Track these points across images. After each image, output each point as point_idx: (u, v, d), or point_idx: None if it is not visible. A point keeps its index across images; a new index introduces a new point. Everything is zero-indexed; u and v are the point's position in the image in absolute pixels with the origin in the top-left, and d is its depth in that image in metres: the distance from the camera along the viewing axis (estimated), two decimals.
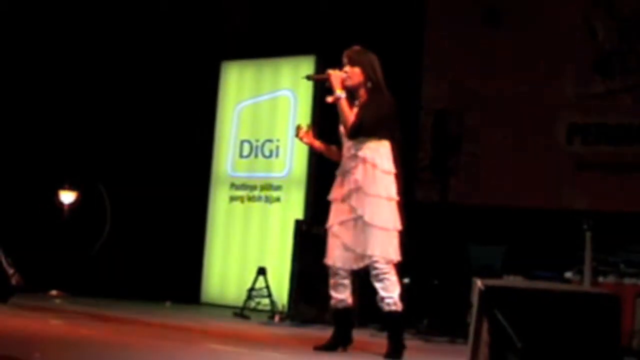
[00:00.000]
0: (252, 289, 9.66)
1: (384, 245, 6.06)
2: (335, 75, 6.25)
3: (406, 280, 8.94)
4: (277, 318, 9.20)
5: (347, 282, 6.26)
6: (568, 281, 8.05)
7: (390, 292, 6.05)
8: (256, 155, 11.16)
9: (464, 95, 10.17)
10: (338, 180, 6.29)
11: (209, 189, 11.43)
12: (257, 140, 11.17)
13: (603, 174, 9.41)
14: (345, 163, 6.21)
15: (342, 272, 6.22)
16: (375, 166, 6.09)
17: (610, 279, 8.01)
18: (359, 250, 6.08)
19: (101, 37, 11.83)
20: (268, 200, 10.91)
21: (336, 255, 6.21)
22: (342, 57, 6.33)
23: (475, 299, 4.63)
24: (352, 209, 6.10)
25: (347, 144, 6.23)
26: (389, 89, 6.29)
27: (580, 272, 7.79)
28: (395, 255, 6.12)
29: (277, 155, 10.94)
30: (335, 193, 6.27)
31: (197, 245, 11.22)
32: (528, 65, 9.89)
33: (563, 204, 9.51)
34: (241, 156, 11.27)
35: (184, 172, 11.33)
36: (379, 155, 6.13)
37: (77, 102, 11.76)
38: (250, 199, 11.06)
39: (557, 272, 8.26)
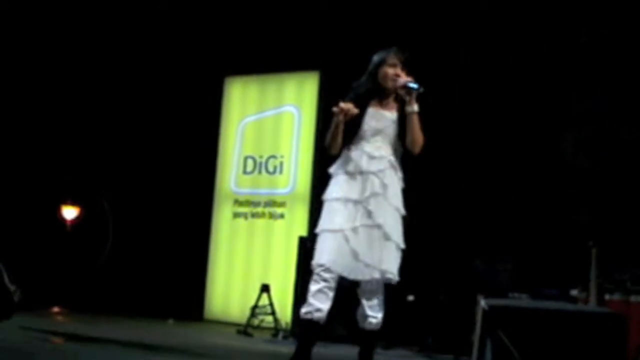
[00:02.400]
0: (255, 307, 9.59)
1: (397, 264, 5.53)
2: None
3: (411, 298, 8.90)
4: (280, 336, 9.15)
5: (332, 293, 5.48)
6: (574, 299, 7.98)
7: (382, 311, 5.62)
8: (260, 172, 11.12)
9: (469, 109, 10.11)
10: (355, 179, 5.55)
11: (212, 205, 11.38)
12: (261, 157, 11.14)
13: (609, 189, 9.34)
14: (369, 162, 5.54)
15: (332, 281, 5.45)
16: (400, 177, 5.65)
17: (617, 296, 7.92)
18: (369, 260, 5.42)
19: (106, 52, 11.83)
20: (272, 216, 10.87)
21: (340, 261, 5.44)
22: (388, 57, 5.72)
23: (478, 318, 4.58)
24: (369, 214, 5.47)
25: (375, 142, 5.59)
26: None
27: (586, 289, 7.73)
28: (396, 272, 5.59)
29: (281, 172, 10.90)
30: (350, 192, 5.54)
31: (200, 262, 11.18)
32: (534, 79, 9.83)
33: (569, 220, 9.44)
34: (245, 172, 11.24)
35: (188, 188, 11.32)
36: (400, 167, 5.69)
37: (80, 117, 11.75)
38: (254, 215, 11.02)
39: (563, 289, 8.19)
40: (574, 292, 8.09)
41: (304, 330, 5.58)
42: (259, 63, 11.14)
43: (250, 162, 11.22)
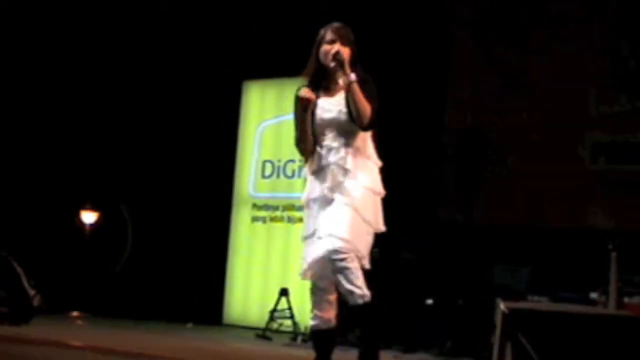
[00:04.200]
0: (274, 310, 9.59)
1: (356, 234, 5.02)
2: (345, 53, 5.37)
3: (430, 301, 8.88)
4: (299, 339, 9.14)
5: (333, 298, 5.18)
6: (593, 302, 7.95)
7: (357, 280, 4.96)
8: (278, 176, 11.12)
9: (488, 115, 10.10)
10: (320, 175, 5.26)
11: (231, 209, 11.39)
12: (279, 161, 11.13)
13: (628, 193, 9.30)
14: (328, 155, 5.24)
15: (329, 286, 5.13)
16: (368, 157, 5.25)
17: (636, 299, 7.89)
18: (322, 232, 5.07)
19: (124, 57, 11.86)
20: (290, 220, 10.86)
21: (320, 266, 5.07)
22: (326, 33, 5.58)
23: (498, 321, 4.57)
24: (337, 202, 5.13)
25: (330, 134, 5.30)
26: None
27: (605, 292, 7.70)
28: (366, 257, 5.10)
29: (299, 176, 10.87)
30: (314, 192, 5.27)
31: (219, 266, 11.18)
32: (552, 84, 9.81)
33: (588, 223, 9.41)
34: (263, 176, 11.24)
35: (206, 192, 11.32)
36: (368, 146, 5.29)
37: (99, 122, 11.78)
38: (273, 219, 11.02)
39: (582, 292, 8.16)
40: (594, 296, 8.06)
41: (318, 342, 5.33)
42: (277, 67, 11.13)
43: (268, 166, 11.22)
